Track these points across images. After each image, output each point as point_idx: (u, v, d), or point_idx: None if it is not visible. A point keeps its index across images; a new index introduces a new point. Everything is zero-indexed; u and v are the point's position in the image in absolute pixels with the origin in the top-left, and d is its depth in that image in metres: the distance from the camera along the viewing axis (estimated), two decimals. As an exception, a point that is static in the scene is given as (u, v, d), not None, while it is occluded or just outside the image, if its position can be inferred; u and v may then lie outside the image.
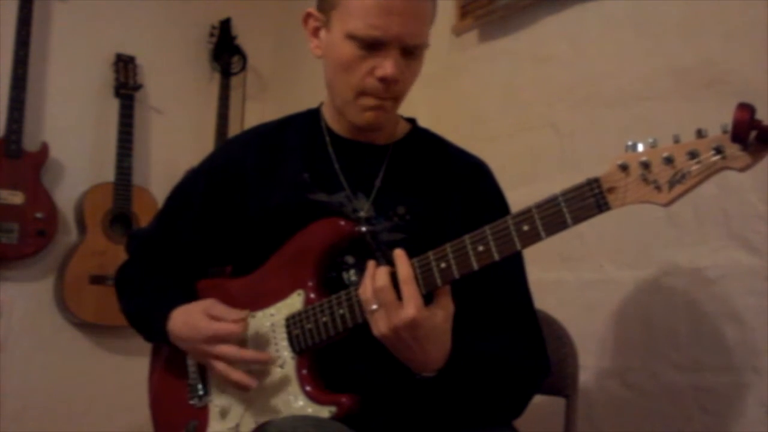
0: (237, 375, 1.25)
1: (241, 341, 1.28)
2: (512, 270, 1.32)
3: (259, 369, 1.28)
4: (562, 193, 1.05)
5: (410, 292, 1.12)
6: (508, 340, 1.29)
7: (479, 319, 1.28)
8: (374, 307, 1.13)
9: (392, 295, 1.12)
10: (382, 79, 1.24)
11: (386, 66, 1.23)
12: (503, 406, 1.28)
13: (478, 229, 1.11)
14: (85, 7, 3.02)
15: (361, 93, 1.28)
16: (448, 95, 2.41)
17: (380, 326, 1.13)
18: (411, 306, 1.11)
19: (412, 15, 1.23)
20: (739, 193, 1.57)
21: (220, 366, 1.27)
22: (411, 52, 1.26)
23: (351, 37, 1.24)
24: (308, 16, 1.35)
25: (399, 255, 1.15)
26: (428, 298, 1.15)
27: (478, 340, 1.25)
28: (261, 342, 1.29)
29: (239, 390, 1.28)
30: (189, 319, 1.31)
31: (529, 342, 1.31)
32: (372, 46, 1.23)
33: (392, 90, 1.27)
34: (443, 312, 1.14)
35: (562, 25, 2.05)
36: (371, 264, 1.18)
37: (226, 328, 1.26)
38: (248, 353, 1.27)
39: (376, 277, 1.14)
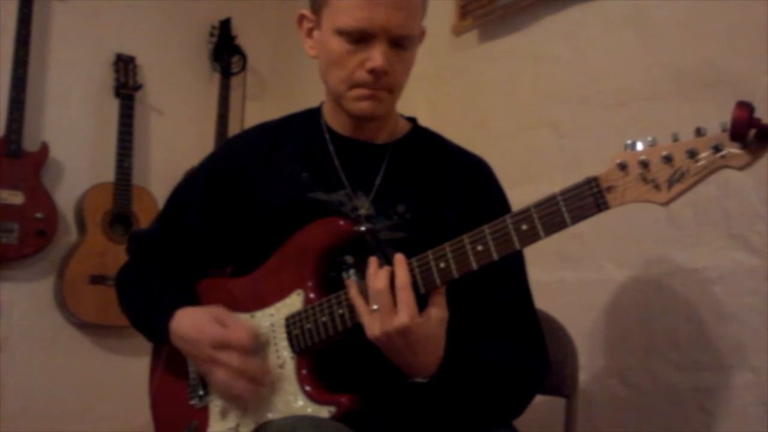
0: (241, 385, 1.24)
1: (247, 352, 1.26)
2: (513, 270, 1.32)
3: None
4: (561, 192, 1.05)
5: (405, 299, 1.12)
6: (508, 340, 1.29)
7: (480, 319, 1.28)
8: (375, 307, 1.14)
9: (389, 299, 1.13)
10: (372, 71, 1.25)
11: (375, 57, 1.24)
12: (503, 407, 1.28)
13: (478, 227, 1.12)
14: (85, 7, 3.02)
15: (353, 86, 1.29)
16: (448, 95, 2.41)
17: (374, 329, 1.14)
18: (404, 313, 1.11)
19: (398, 6, 1.24)
20: (739, 194, 1.57)
21: (222, 374, 1.25)
22: (400, 44, 1.26)
23: (339, 32, 1.26)
24: (302, 17, 1.37)
25: (399, 260, 1.15)
26: (425, 300, 1.15)
27: (477, 342, 1.25)
28: (261, 342, 1.29)
29: (237, 401, 1.27)
30: (196, 322, 1.31)
31: (529, 342, 1.31)
32: (360, 39, 1.25)
33: (383, 81, 1.27)
34: (437, 318, 1.15)
35: (562, 25, 2.05)
36: (374, 262, 1.18)
37: (235, 336, 1.25)
38: (253, 364, 1.25)
39: (375, 279, 1.15)
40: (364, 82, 1.27)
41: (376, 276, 1.15)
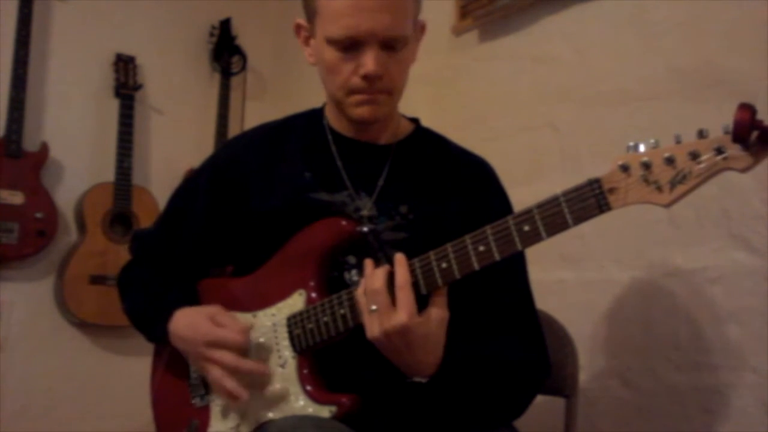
0: (230, 384, 1.25)
1: (242, 351, 1.27)
2: (514, 270, 1.32)
3: (258, 378, 1.27)
4: (563, 193, 1.05)
5: (404, 298, 1.12)
6: (508, 340, 1.29)
7: (480, 319, 1.28)
8: (374, 307, 1.14)
9: (386, 299, 1.13)
10: (366, 77, 1.25)
11: (367, 64, 1.24)
12: (503, 407, 1.29)
13: (480, 228, 1.12)
14: (85, 7, 3.02)
15: (350, 92, 1.29)
16: (448, 95, 2.41)
17: (373, 329, 1.14)
18: (403, 312, 1.12)
19: (384, 8, 1.23)
20: (739, 194, 1.58)
21: (216, 372, 1.26)
22: (392, 46, 1.26)
23: (329, 41, 1.26)
24: (298, 27, 1.37)
25: (399, 260, 1.15)
26: (426, 300, 1.15)
27: (478, 342, 1.25)
28: (262, 342, 1.29)
29: (230, 399, 1.28)
30: (192, 321, 1.31)
31: (529, 342, 1.32)
32: (350, 46, 1.25)
33: (379, 85, 1.27)
34: (437, 318, 1.15)
35: (562, 25, 2.06)
36: (369, 263, 1.18)
37: (229, 335, 1.26)
38: (246, 363, 1.26)
39: (372, 279, 1.15)
40: (360, 88, 1.27)
41: (373, 276, 1.15)
